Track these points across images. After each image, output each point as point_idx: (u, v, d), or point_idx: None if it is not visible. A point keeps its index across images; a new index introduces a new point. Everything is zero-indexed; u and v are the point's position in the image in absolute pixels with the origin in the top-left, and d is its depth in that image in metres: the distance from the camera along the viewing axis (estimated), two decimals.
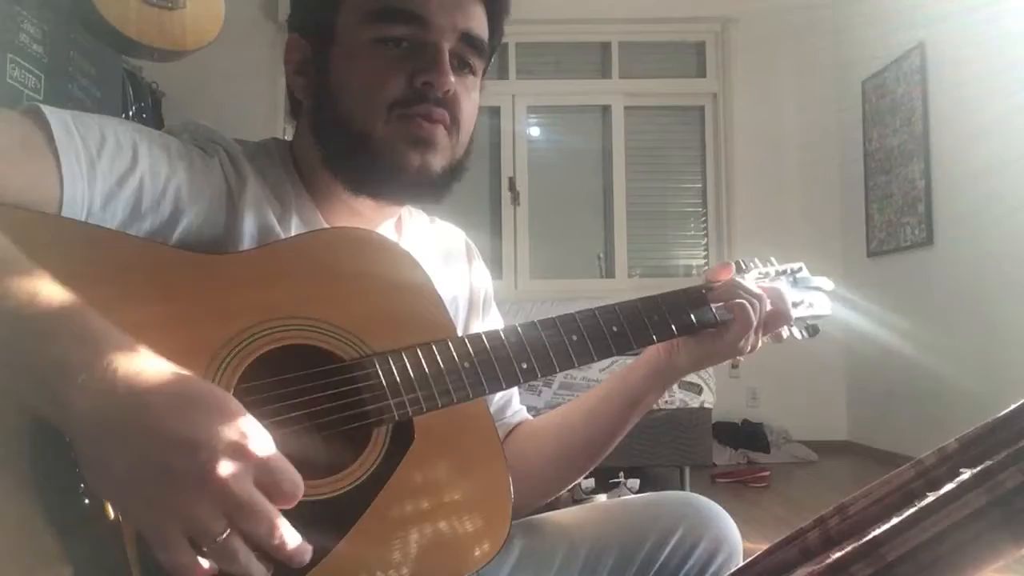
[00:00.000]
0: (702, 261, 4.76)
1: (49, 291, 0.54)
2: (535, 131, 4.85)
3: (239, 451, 0.51)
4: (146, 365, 0.52)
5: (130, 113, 3.34)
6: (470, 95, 0.81)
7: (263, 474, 0.51)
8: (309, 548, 0.54)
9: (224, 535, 0.49)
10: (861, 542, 0.42)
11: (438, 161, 0.78)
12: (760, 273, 0.95)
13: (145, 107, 3.54)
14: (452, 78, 0.77)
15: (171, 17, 2.44)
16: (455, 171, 0.82)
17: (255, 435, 0.52)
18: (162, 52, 2.46)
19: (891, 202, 4.10)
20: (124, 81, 3.27)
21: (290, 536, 0.52)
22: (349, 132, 0.77)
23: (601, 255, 4.75)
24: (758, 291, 0.89)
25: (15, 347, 0.52)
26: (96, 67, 2.83)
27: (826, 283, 1.01)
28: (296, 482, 0.53)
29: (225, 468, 0.49)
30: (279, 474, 0.52)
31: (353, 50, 0.78)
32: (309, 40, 0.82)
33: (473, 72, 0.82)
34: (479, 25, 0.81)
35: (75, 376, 0.50)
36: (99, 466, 0.51)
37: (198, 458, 0.49)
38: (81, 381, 0.50)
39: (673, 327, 0.84)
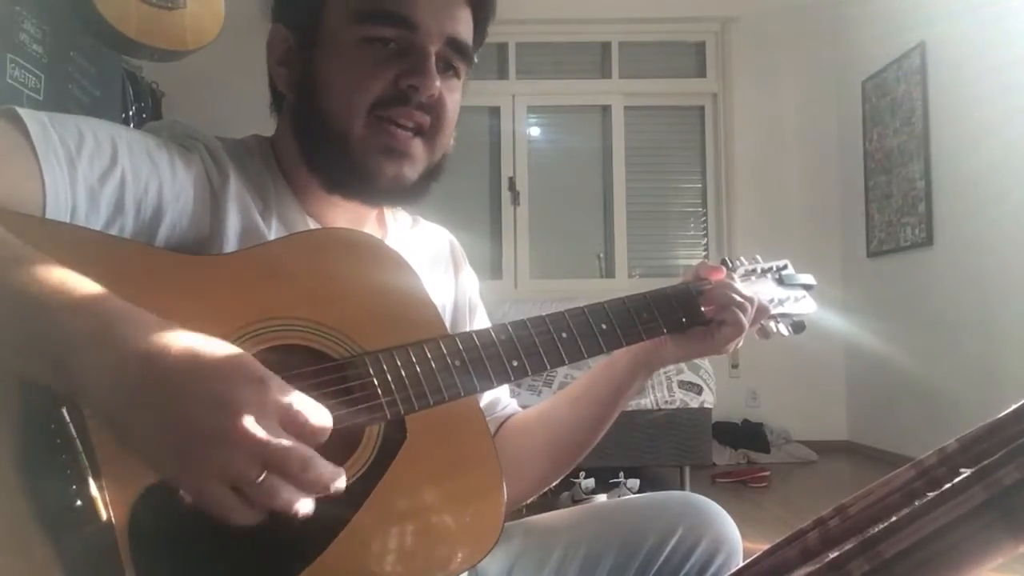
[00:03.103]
0: None
1: (52, 271, 0.54)
2: (535, 131, 4.84)
3: (260, 399, 0.51)
4: (156, 330, 0.52)
5: (130, 113, 3.35)
6: (453, 96, 0.83)
7: (288, 415, 0.52)
8: (342, 472, 0.54)
9: (261, 478, 0.50)
10: (858, 540, 0.42)
11: (412, 171, 0.80)
12: (746, 271, 0.96)
13: (145, 107, 3.54)
14: (438, 82, 0.78)
15: (171, 17, 2.43)
16: (432, 174, 0.83)
17: (274, 381, 0.52)
18: (162, 52, 2.46)
19: (891, 202, 4.10)
20: (124, 81, 3.27)
21: (324, 469, 0.52)
22: (328, 130, 0.78)
23: (601, 255, 4.75)
24: (750, 295, 0.89)
25: (26, 328, 0.52)
26: (96, 67, 2.83)
27: (809, 279, 1.02)
28: (322, 414, 0.54)
29: (248, 417, 0.49)
30: (304, 413, 0.53)
31: (338, 48, 0.78)
32: (293, 32, 0.82)
33: (457, 75, 0.83)
34: (465, 29, 0.82)
35: (88, 348, 0.51)
36: (128, 434, 0.51)
37: (221, 412, 0.49)
38: (95, 353, 0.50)
39: (664, 327, 0.85)
